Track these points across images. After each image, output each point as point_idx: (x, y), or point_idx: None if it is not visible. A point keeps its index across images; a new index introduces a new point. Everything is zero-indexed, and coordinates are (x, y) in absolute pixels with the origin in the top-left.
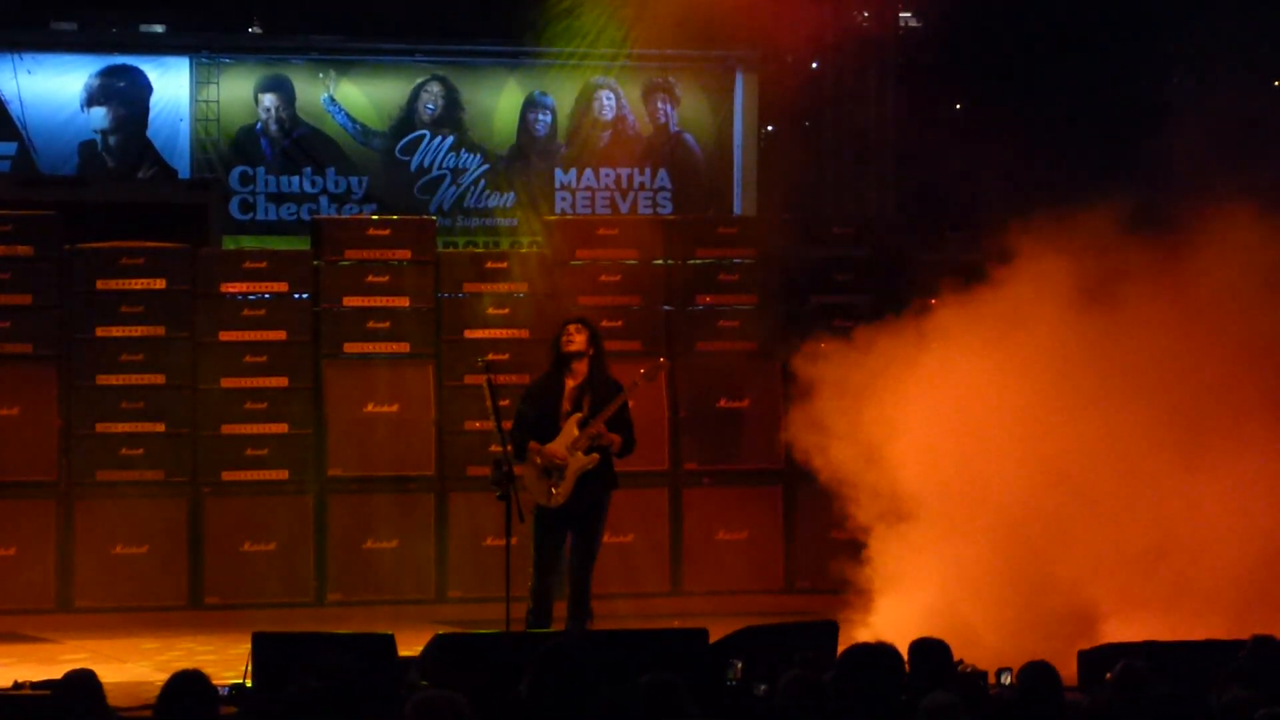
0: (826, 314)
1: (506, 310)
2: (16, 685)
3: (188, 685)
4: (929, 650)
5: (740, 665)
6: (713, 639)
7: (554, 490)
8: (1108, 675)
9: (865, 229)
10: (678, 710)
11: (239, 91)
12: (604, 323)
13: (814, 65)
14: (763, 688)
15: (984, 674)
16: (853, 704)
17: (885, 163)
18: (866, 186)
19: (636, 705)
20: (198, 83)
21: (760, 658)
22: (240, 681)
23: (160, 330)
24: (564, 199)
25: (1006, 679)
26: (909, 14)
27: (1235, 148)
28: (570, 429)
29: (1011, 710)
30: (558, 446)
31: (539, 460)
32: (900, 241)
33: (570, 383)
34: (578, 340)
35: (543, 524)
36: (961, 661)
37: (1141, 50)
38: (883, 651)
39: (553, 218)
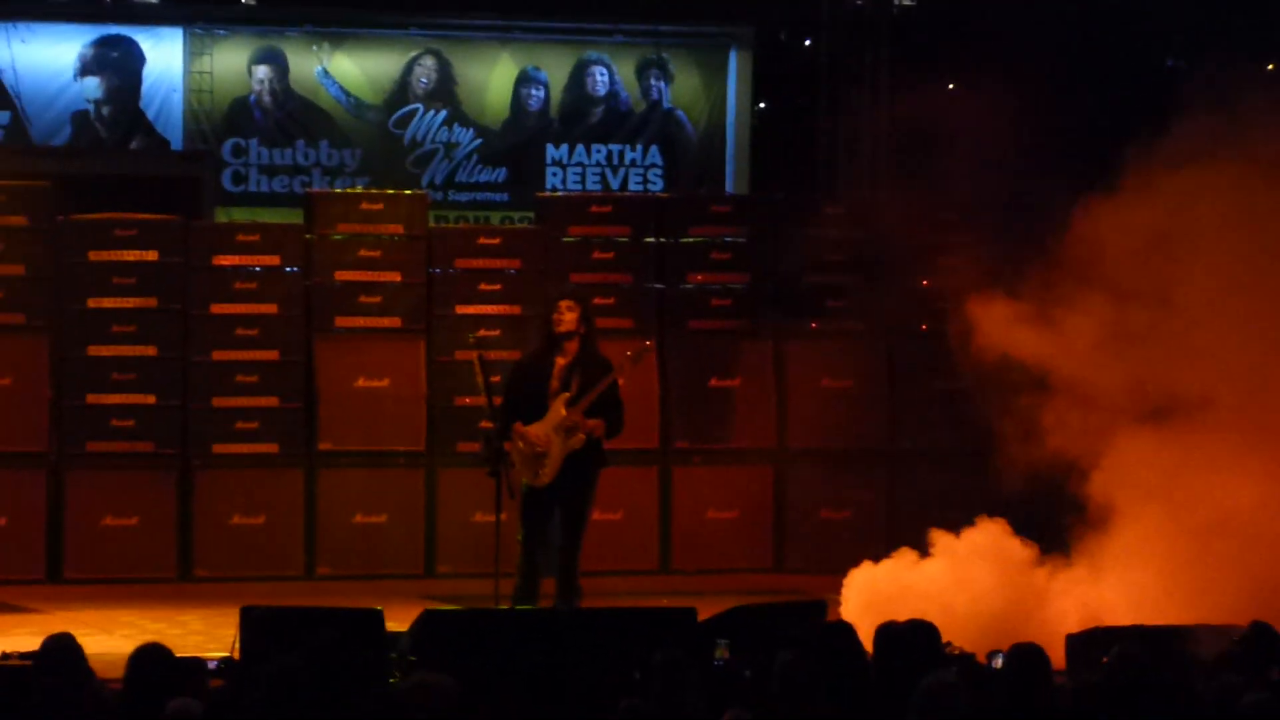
0: (819, 294)
1: (498, 286)
2: (4, 656)
3: (151, 656)
4: (911, 633)
5: (727, 645)
6: (702, 617)
7: (541, 469)
8: (1104, 659)
9: (857, 208)
10: (684, 688)
11: (232, 63)
12: (595, 300)
13: (807, 43)
14: (747, 673)
15: (972, 656)
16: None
17: (878, 142)
18: (859, 166)
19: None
20: (191, 54)
21: (749, 637)
22: (228, 655)
23: (152, 302)
24: (555, 174)
25: (998, 661)
26: None
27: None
28: (558, 408)
29: (998, 692)
30: (541, 429)
31: (521, 444)
32: (892, 221)
33: (560, 361)
34: (568, 319)
35: (530, 501)
36: (950, 644)
37: (1141, 28)
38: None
39: (545, 194)
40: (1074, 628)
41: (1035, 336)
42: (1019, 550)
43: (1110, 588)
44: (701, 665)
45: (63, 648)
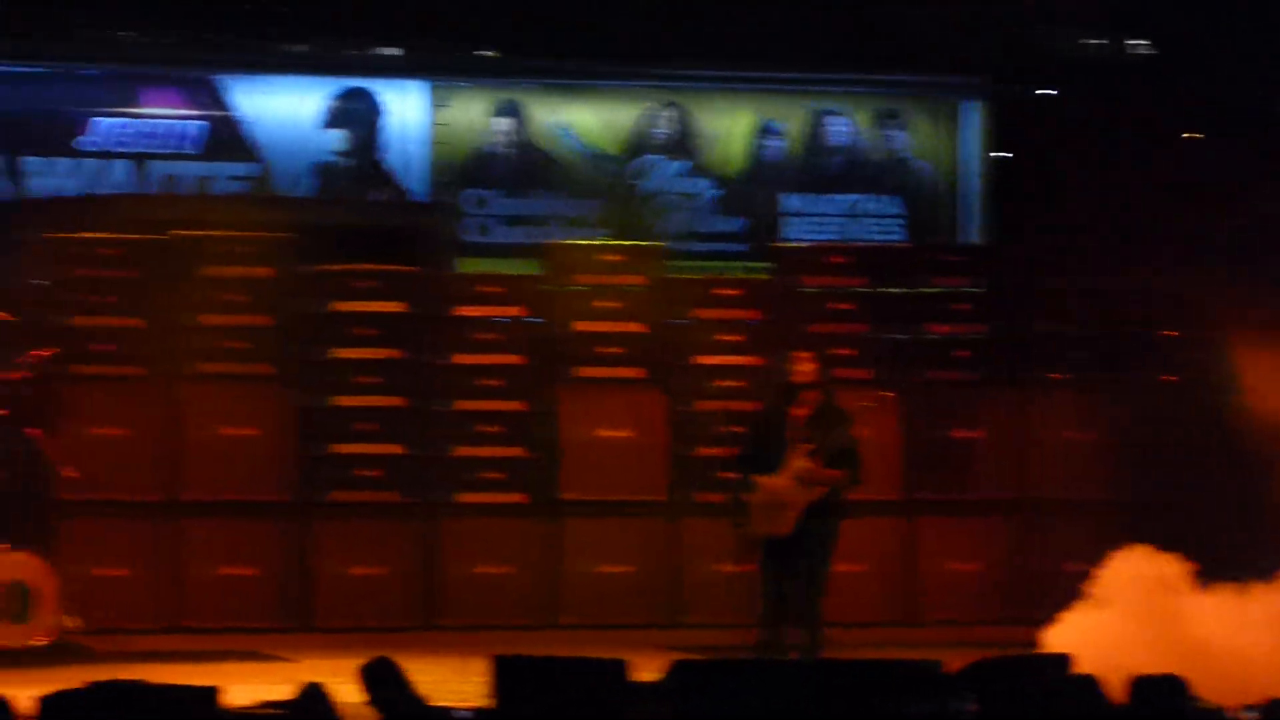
0: (1060, 345)
1: (737, 336)
2: (261, 705)
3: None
4: (1155, 686)
5: (974, 698)
6: (946, 670)
7: (781, 520)
8: None
9: (1095, 259)
10: None
11: (473, 115)
12: (834, 351)
13: (1043, 92)
14: None
15: (1221, 710)
16: None
17: (1116, 191)
18: (1099, 217)
19: None
20: (432, 106)
21: (994, 690)
22: (481, 706)
23: (395, 352)
24: (793, 224)
25: (1251, 716)
26: (1141, 41)
27: None
28: (797, 459)
29: None
30: (781, 480)
31: (761, 495)
32: (1133, 271)
33: (798, 412)
34: (806, 370)
35: (772, 552)
36: (1198, 699)
37: None
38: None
39: (782, 244)
40: None
41: None
42: None
43: None
44: (947, 719)
45: (314, 698)
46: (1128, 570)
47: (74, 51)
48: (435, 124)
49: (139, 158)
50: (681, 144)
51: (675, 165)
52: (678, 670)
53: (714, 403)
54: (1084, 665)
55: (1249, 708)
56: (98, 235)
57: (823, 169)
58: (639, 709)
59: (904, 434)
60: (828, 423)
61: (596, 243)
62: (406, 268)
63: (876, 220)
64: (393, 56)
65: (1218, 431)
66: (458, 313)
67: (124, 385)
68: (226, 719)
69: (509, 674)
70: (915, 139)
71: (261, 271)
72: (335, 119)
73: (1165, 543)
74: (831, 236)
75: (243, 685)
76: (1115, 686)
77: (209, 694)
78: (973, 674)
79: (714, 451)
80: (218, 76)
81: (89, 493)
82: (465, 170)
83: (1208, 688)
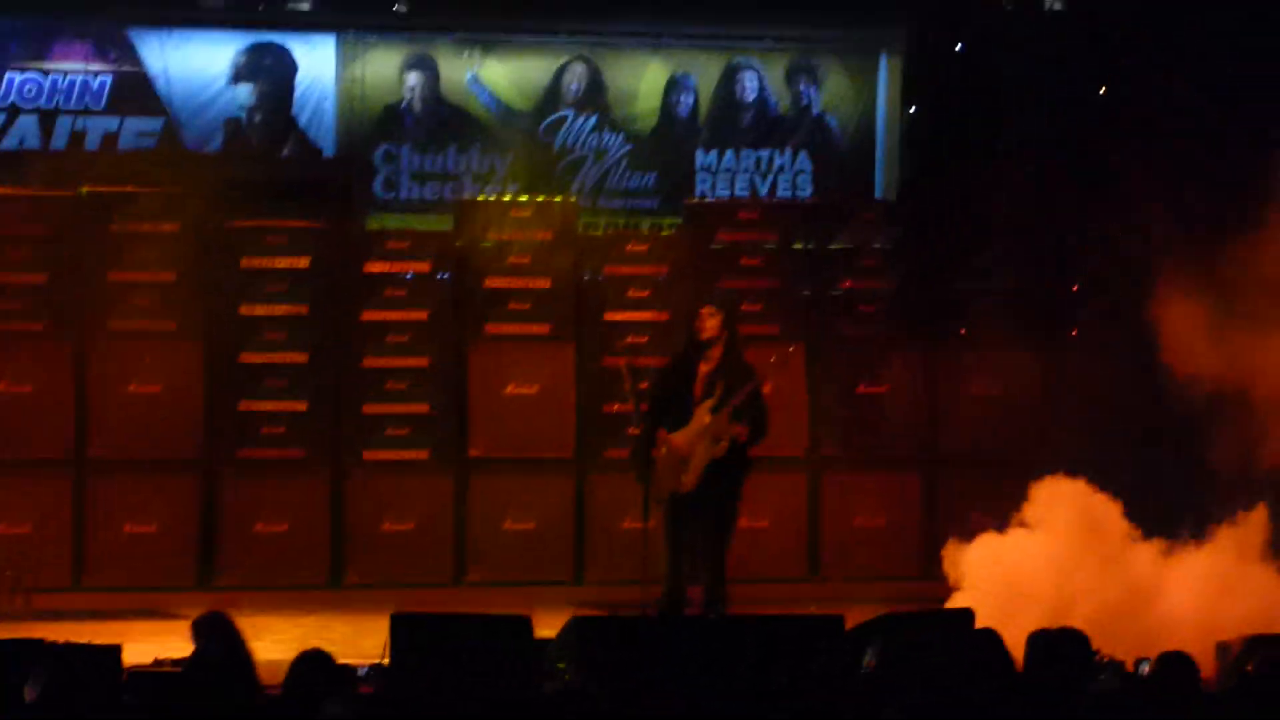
0: (968, 300)
1: (647, 292)
2: (157, 662)
3: (315, 664)
4: (1061, 641)
5: (874, 653)
6: (849, 625)
7: (684, 475)
8: (1249, 667)
9: (1009, 214)
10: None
11: (384, 70)
12: (744, 306)
13: (958, 48)
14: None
15: (1121, 664)
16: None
17: (1029, 148)
18: (1012, 171)
19: None
20: (343, 61)
21: (897, 645)
22: (378, 662)
23: (303, 309)
24: (704, 180)
25: (1145, 669)
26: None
27: None
28: (702, 415)
29: (1147, 700)
30: (685, 436)
31: (665, 450)
32: (1047, 227)
33: (704, 367)
34: (710, 325)
35: (675, 509)
36: (1099, 651)
37: None
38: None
39: (693, 200)
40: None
41: (1213, 343)
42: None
43: None
44: (849, 673)
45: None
46: (1053, 499)
47: None
48: (345, 79)
49: (46, 112)
50: (593, 99)
51: (587, 121)
52: (576, 626)
53: (622, 359)
54: (992, 595)
55: (1142, 660)
56: (3, 190)
57: (736, 124)
58: (538, 665)
59: (811, 390)
60: (733, 378)
61: (507, 198)
62: (315, 223)
63: (788, 175)
64: (303, 10)
65: (1136, 389)
66: (367, 268)
67: (29, 341)
68: (127, 678)
69: (407, 631)
70: (830, 93)
71: (168, 227)
72: (244, 73)
73: None
74: (743, 192)
75: (144, 644)
76: (1016, 639)
77: (111, 653)
78: (875, 628)
79: (621, 408)
80: (127, 29)
81: None
82: (376, 125)
83: (1107, 635)
